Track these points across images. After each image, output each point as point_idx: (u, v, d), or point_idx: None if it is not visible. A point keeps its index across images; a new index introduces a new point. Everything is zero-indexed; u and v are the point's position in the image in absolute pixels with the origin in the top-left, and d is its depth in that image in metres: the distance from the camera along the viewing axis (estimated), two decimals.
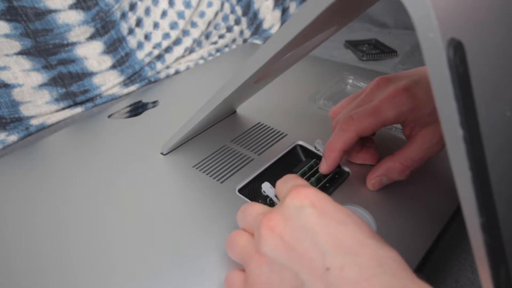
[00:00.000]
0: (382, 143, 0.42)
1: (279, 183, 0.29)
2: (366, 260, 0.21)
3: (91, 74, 0.59)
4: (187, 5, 0.69)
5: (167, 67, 0.67)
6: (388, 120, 0.34)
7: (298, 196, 0.24)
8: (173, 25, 0.68)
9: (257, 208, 0.27)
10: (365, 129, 0.34)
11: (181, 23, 0.69)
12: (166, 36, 0.67)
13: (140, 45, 0.65)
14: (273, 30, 0.81)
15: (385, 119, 0.34)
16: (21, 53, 0.53)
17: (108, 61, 0.61)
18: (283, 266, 0.23)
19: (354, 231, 0.22)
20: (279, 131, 0.43)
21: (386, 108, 0.34)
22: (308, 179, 0.36)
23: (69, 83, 0.57)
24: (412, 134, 0.35)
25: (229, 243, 0.27)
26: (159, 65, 0.66)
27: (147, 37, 0.66)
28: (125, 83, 0.62)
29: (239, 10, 0.76)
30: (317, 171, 0.37)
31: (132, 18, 0.64)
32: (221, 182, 0.36)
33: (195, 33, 0.70)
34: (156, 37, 0.67)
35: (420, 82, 0.34)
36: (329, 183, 0.36)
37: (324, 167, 0.36)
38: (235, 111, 0.46)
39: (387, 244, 0.22)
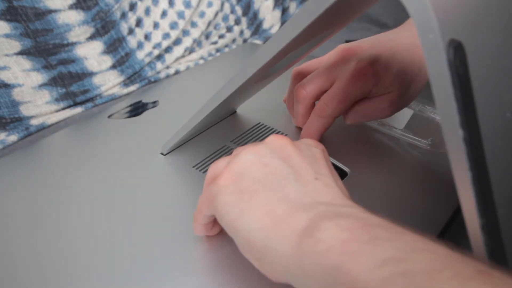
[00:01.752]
0: (383, 144, 0.42)
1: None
2: (347, 198, 0.23)
3: (91, 74, 0.59)
4: (187, 5, 0.69)
5: (167, 67, 0.67)
6: (356, 97, 0.37)
7: (312, 140, 0.27)
8: (173, 25, 0.68)
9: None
10: (340, 112, 0.37)
11: (181, 23, 0.68)
12: (166, 36, 0.67)
13: (140, 45, 0.65)
14: (273, 30, 0.81)
15: (353, 97, 0.36)
16: (21, 53, 0.53)
17: (108, 61, 0.61)
18: (273, 159, 0.24)
19: (343, 187, 0.25)
20: (279, 131, 0.43)
21: (353, 88, 0.36)
22: None
23: (69, 83, 0.57)
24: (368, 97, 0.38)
25: (211, 166, 0.27)
26: (159, 65, 0.66)
27: (147, 37, 0.66)
28: (125, 83, 0.62)
29: (239, 10, 0.76)
30: None
31: (132, 18, 0.64)
32: None
33: (195, 33, 0.70)
34: (156, 37, 0.67)
35: (382, 57, 0.36)
36: None
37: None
38: (235, 111, 0.46)
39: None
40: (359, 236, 0.19)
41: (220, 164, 0.26)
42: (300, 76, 0.41)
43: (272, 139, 0.26)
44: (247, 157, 0.24)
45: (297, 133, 0.42)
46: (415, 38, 0.38)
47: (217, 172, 0.26)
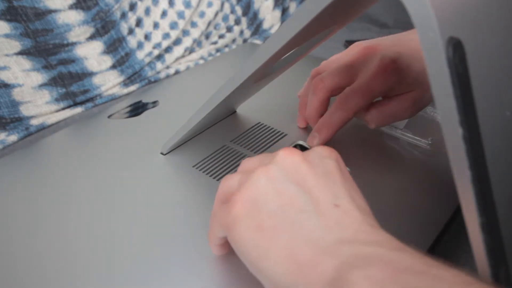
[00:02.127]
0: (383, 144, 0.42)
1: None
2: (369, 217, 0.22)
3: (91, 74, 0.59)
4: (187, 5, 0.69)
5: (167, 67, 0.67)
6: (379, 94, 0.36)
7: (326, 149, 0.25)
8: (173, 25, 0.68)
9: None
10: (360, 107, 0.36)
11: (181, 23, 0.68)
12: (166, 36, 0.67)
13: (140, 45, 0.65)
14: (273, 30, 0.81)
15: (376, 93, 0.36)
16: (21, 53, 0.53)
17: (108, 61, 0.61)
18: (287, 184, 0.22)
19: (362, 199, 0.24)
20: (279, 131, 0.43)
21: (377, 84, 0.35)
22: None
23: (69, 83, 0.57)
24: (390, 97, 0.37)
25: (228, 176, 0.26)
26: (159, 65, 0.66)
27: (147, 37, 0.66)
28: (125, 83, 0.62)
29: (239, 10, 0.76)
30: None
31: (132, 18, 0.64)
32: None
33: (195, 33, 0.70)
34: (156, 37, 0.67)
35: (404, 54, 0.36)
36: None
37: (316, 142, 0.38)
38: (235, 111, 0.46)
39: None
40: None
41: (232, 182, 0.25)
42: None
43: (282, 156, 0.23)
44: (259, 183, 0.23)
45: (298, 133, 0.42)
46: None
47: (230, 192, 0.25)
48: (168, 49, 0.68)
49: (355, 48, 0.38)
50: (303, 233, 0.21)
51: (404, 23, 0.81)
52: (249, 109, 0.46)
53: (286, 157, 0.23)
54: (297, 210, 0.22)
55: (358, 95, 0.35)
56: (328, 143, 0.39)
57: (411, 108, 0.37)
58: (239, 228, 0.22)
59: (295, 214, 0.21)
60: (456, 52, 0.16)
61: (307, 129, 0.43)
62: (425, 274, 0.18)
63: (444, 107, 0.17)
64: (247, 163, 0.26)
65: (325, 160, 0.24)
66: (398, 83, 0.36)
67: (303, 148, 0.40)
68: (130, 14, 0.63)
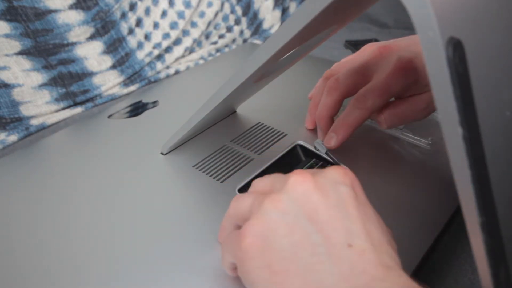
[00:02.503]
0: (383, 143, 0.42)
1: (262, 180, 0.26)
2: (384, 256, 0.21)
3: (91, 74, 0.59)
4: (187, 5, 0.69)
5: (167, 67, 0.67)
6: (396, 93, 0.35)
7: (340, 171, 0.23)
8: (173, 25, 0.68)
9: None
10: (378, 106, 0.35)
11: (181, 23, 0.69)
12: (166, 36, 0.67)
13: (140, 45, 0.65)
14: (273, 30, 0.81)
15: (394, 93, 0.35)
16: (21, 53, 0.53)
17: (108, 61, 0.61)
18: (299, 221, 0.21)
19: (379, 229, 0.22)
20: (279, 131, 0.43)
21: (395, 83, 0.35)
22: None
23: (69, 83, 0.57)
24: (404, 97, 0.37)
25: (239, 198, 0.25)
26: (159, 65, 0.66)
27: (147, 37, 0.66)
28: (125, 83, 0.62)
29: (239, 10, 0.76)
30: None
31: (132, 18, 0.64)
32: (221, 182, 0.36)
33: (195, 33, 0.70)
34: (156, 37, 0.67)
35: (420, 54, 0.35)
36: None
37: (334, 142, 0.37)
38: (235, 111, 0.46)
39: (393, 247, 0.22)
40: None
41: (243, 205, 0.24)
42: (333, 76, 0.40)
43: (293, 185, 0.22)
44: (270, 216, 0.22)
45: (298, 133, 0.42)
46: None
47: (240, 215, 0.24)
48: (168, 49, 0.68)
49: (369, 48, 0.38)
50: (316, 279, 0.20)
51: (404, 23, 0.82)
52: (249, 109, 0.46)
53: (298, 185, 0.22)
54: (309, 252, 0.21)
55: (375, 94, 0.35)
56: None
57: (425, 110, 0.36)
58: (250, 265, 0.22)
59: (307, 257, 0.21)
60: (456, 52, 0.16)
61: (308, 129, 0.43)
62: None
63: (444, 107, 0.17)
64: (258, 184, 0.26)
65: (338, 187, 0.22)
66: (414, 83, 0.35)
67: (303, 148, 0.40)
68: (130, 14, 0.63)
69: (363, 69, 0.37)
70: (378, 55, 0.37)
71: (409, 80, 0.35)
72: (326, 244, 0.21)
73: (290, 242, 0.21)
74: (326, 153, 0.39)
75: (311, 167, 0.38)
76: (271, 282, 0.21)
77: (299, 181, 0.22)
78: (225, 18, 0.74)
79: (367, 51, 0.38)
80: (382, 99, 0.35)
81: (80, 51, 0.58)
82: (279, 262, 0.21)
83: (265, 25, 0.80)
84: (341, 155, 0.39)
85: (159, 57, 0.67)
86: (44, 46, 0.55)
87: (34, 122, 0.54)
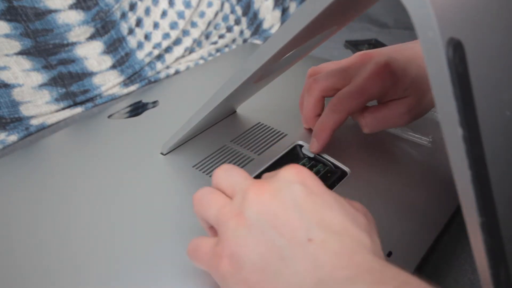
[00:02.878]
0: (384, 142, 0.42)
1: (218, 172, 0.27)
2: (348, 240, 0.21)
3: (91, 74, 0.59)
4: (187, 5, 0.69)
5: (167, 67, 0.67)
6: (373, 96, 0.36)
7: (291, 172, 0.24)
8: (173, 25, 0.68)
9: (244, 173, 0.26)
10: (354, 108, 0.36)
11: (181, 23, 0.69)
12: (166, 36, 0.67)
13: (140, 45, 0.65)
14: (273, 30, 0.81)
15: (370, 96, 0.36)
16: (21, 53, 0.53)
17: (108, 61, 0.61)
18: (263, 231, 0.22)
19: (339, 214, 0.22)
20: (279, 131, 0.43)
21: (371, 86, 0.35)
22: None
23: (69, 83, 0.57)
24: (385, 102, 0.37)
25: (201, 201, 0.26)
26: (159, 65, 0.66)
27: (147, 37, 0.66)
28: (125, 83, 0.62)
29: (239, 10, 0.76)
30: (310, 169, 0.37)
31: (132, 18, 0.64)
32: None
33: (195, 33, 0.70)
34: (156, 37, 0.67)
35: (399, 60, 0.36)
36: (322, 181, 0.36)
37: (316, 147, 0.38)
38: (235, 111, 0.46)
39: (370, 233, 0.23)
40: None
41: (208, 213, 0.25)
42: (316, 74, 0.41)
43: (252, 200, 0.23)
44: (238, 234, 0.23)
45: (298, 133, 0.42)
46: None
47: (205, 219, 0.26)
48: (168, 49, 0.68)
49: (353, 55, 0.39)
50: (286, 281, 0.21)
51: (404, 23, 0.82)
52: (249, 109, 0.46)
53: (256, 198, 0.23)
54: (276, 258, 0.22)
55: (350, 97, 0.36)
56: (328, 143, 0.39)
57: (406, 115, 0.37)
58: (229, 283, 0.23)
59: (276, 263, 0.21)
60: (457, 53, 0.16)
61: (308, 129, 0.43)
62: None
63: (444, 107, 0.17)
64: (221, 183, 0.26)
65: (291, 187, 0.23)
66: (393, 87, 0.36)
67: (303, 148, 0.41)
68: (130, 14, 0.63)
69: (342, 71, 0.38)
70: (358, 61, 0.38)
71: (386, 84, 0.35)
72: (289, 245, 0.21)
73: (259, 253, 0.22)
74: (319, 155, 0.39)
75: (311, 167, 0.38)
76: None
77: (256, 194, 0.23)
78: (225, 18, 0.74)
79: (350, 57, 0.39)
80: (358, 103, 0.36)
81: (80, 51, 0.58)
82: (252, 275, 0.22)
83: (265, 25, 0.80)
84: (341, 155, 0.39)
85: (159, 57, 0.67)
86: (44, 46, 0.55)
87: (34, 122, 0.54)
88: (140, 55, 0.64)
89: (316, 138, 0.38)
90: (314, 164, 0.39)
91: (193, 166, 0.38)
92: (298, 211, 0.22)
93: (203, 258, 0.25)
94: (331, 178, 0.37)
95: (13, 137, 0.51)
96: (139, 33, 0.65)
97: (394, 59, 0.36)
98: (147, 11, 0.66)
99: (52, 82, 0.56)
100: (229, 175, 0.26)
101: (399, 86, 0.36)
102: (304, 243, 0.21)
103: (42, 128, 0.54)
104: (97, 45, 0.60)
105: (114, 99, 0.60)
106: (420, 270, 0.30)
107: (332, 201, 0.23)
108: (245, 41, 0.78)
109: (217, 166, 0.38)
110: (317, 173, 0.37)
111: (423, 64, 0.36)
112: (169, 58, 0.68)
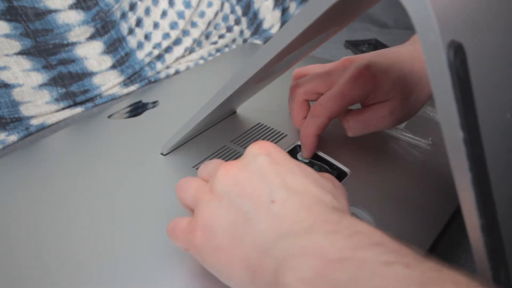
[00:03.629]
0: (384, 144, 0.42)
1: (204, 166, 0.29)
2: (307, 198, 0.23)
3: (91, 74, 0.59)
4: (187, 5, 0.69)
5: (167, 67, 0.67)
6: (354, 100, 0.36)
7: (256, 146, 0.26)
8: (173, 25, 0.68)
9: (220, 160, 0.28)
10: (335, 112, 0.36)
11: (181, 23, 0.69)
12: (166, 36, 0.67)
13: (140, 45, 0.65)
14: (273, 30, 0.81)
15: (351, 99, 0.36)
16: (21, 53, 0.53)
17: (108, 61, 0.61)
18: (231, 201, 0.24)
19: (301, 178, 0.24)
20: (279, 131, 0.43)
21: (351, 90, 0.36)
22: None
23: (69, 83, 0.57)
24: (367, 105, 0.37)
25: (182, 186, 0.28)
26: (159, 65, 0.66)
27: (147, 37, 0.66)
28: (125, 83, 0.62)
29: (239, 10, 0.76)
30: None
31: (132, 18, 0.64)
32: None
33: (195, 33, 0.70)
34: (156, 37, 0.67)
35: (377, 62, 0.36)
36: None
37: (305, 153, 0.39)
38: (235, 112, 0.46)
39: (334, 195, 0.24)
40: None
41: (187, 195, 0.27)
42: (300, 77, 0.42)
43: (222, 175, 0.25)
44: (210, 207, 0.25)
45: (298, 133, 0.42)
46: (417, 52, 0.38)
47: (187, 204, 0.28)
48: (168, 49, 0.68)
49: (339, 60, 0.40)
50: (250, 242, 0.22)
51: (404, 23, 0.82)
52: (249, 110, 0.46)
53: (225, 174, 0.25)
54: (244, 221, 0.23)
55: (332, 101, 0.36)
56: (327, 142, 0.39)
57: (388, 118, 0.37)
58: (203, 255, 0.25)
59: (243, 225, 0.23)
60: (457, 55, 0.16)
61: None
62: (351, 261, 0.18)
63: (445, 110, 0.17)
64: (202, 172, 0.29)
65: (256, 159, 0.25)
66: (374, 90, 0.36)
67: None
68: (130, 14, 0.63)
69: (325, 75, 0.38)
70: (341, 65, 0.38)
71: (367, 87, 0.36)
72: (254, 208, 0.23)
73: (229, 220, 0.24)
74: (318, 156, 0.40)
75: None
76: (221, 259, 0.24)
77: (225, 170, 0.25)
78: (225, 18, 0.74)
79: (335, 62, 0.40)
80: (339, 106, 0.36)
81: (80, 51, 0.58)
82: (223, 241, 0.23)
83: (265, 25, 0.80)
84: (341, 155, 0.39)
85: (159, 57, 0.67)
86: (44, 46, 0.55)
87: (34, 122, 0.54)
88: (140, 55, 0.64)
89: (304, 145, 0.39)
90: (310, 165, 0.39)
91: (193, 167, 0.38)
92: (262, 178, 0.24)
93: (180, 235, 0.26)
94: None
95: (13, 137, 0.51)
96: (139, 33, 0.65)
97: (375, 62, 0.36)
98: (147, 11, 0.66)
99: (52, 82, 0.56)
100: (207, 165, 0.29)
101: (381, 89, 0.36)
102: (267, 204, 0.23)
103: (42, 128, 0.54)
104: (97, 45, 0.60)
105: (114, 99, 0.60)
106: None
107: (295, 168, 0.25)
108: (245, 41, 0.78)
109: None
110: None
111: (406, 66, 0.37)
112: (169, 58, 0.68)
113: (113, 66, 0.61)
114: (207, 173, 0.28)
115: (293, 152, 0.40)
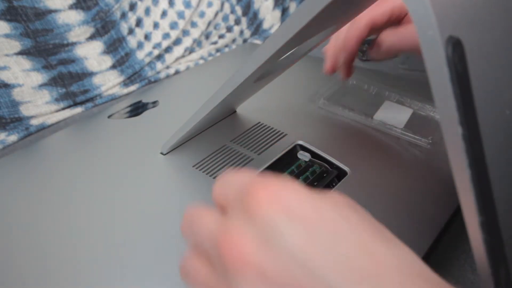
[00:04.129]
0: (383, 143, 0.42)
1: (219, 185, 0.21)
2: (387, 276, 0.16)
3: (91, 74, 0.59)
4: (187, 5, 0.69)
5: (167, 67, 0.67)
6: (396, 7, 0.36)
7: (263, 201, 0.17)
8: (173, 25, 0.68)
9: (207, 218, 0.20)
10: (377, 17, 0.36)
11: (181, 23, 0.69)
12: (166, 36, 0.67)
13: (140, 45, 0.65)
14: (273, 30, 0.81)
15: (393, 6, 0.35)
16: (21, 53, 0.53)
17: (108, 61, 0.61)
18: None
19: (354, 234, 0.16)
20: (279, 131, 0.43)
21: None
22: (297, 178, 0.36)
23: (69, 83, 0.57)
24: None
25: (185, 275, 0.21)
26: (159, 65, 0.66)
27: (147, 37, 0.66)
28: (125, 83, 0.62)
29: (239, 10, 0.76)
30: (305, 170, 0.37)
31: (132, 18, 0.64)
32: None
33: (195, 33, 0.70)
34: (156, 37, 0.67)
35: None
36: (317, 182, 0.36)
37: (344, 55, 0.39)
38: (235, 111, 0.46)
39: (394, 238, 0.18)
40: None
41: (202, 239, 0.20)
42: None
43: (233, 262, 0.17)
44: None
45: (298, 133, 0.42)
46: None
47: (200, 243, 0.20)
48: (168, 49, 0.68)
49: None
50: None
51: None
52: (249, 109, 0.46)
53: (240, 274, 0.17)
54: None
55: (374, 5, 0.35)
56: (327, 141, 0.38)
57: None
58: None
59: None
60: (456, 51, 0.16)
61: (307, 129, 0.43)
62: None
63: (444, 106, 0.17)
64: (220, 200, 0.21)
65: (276, 229, 0.16)
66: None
67: (303, 148, 0.40)
68: (130, 14, 0.63)
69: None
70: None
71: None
72: None
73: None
74: (317, 155, 0.39)
75: (307, 167, 0.38)
76: None
77: (241, 270, 0.17)
78: (225, 18, 0.74)
79: None
80: (381, 10, 0.36)
81: (80, 51, 0.58)
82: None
83: (265, 25, 0.80)
84: (341, 155, 0.39)
85: (159, 57, 0.67)
86: (44, 46, 0.55)
87: (34, 122, 0.54)
88: (140, 55, 0.64)
89: (344, 50, 0.38)
90: (309, 164, 0.38)
91: (193, 166, 0.38)
92: (302, 265, 0.16)
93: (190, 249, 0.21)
94: (327, 178, 0.37)
95: (13, 137, 0.51)
96: (139, 33, 0.65)
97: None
98: (147, 11, 0.66)
99: (52, 82, 0.56)
100: (191, 229, 0.21)
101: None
102: None
103: (42, 128, 0.54)
104: (97, 45, 0.60)
105: (114, 99, 0.60)
106: None
107: (335, 217, 0.17)
108: (245, 41, 0.78)
109: (217, 166, 0.38)
110: (312, 174, 0.37)
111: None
112: (169, 58, 0.68)
113: (113, 66, 0.61)
114: (199, 244, 0.20)
115: (293, 152, 0.40)
